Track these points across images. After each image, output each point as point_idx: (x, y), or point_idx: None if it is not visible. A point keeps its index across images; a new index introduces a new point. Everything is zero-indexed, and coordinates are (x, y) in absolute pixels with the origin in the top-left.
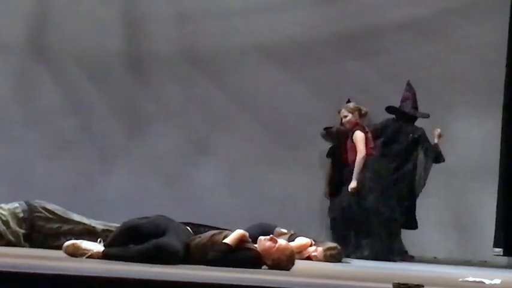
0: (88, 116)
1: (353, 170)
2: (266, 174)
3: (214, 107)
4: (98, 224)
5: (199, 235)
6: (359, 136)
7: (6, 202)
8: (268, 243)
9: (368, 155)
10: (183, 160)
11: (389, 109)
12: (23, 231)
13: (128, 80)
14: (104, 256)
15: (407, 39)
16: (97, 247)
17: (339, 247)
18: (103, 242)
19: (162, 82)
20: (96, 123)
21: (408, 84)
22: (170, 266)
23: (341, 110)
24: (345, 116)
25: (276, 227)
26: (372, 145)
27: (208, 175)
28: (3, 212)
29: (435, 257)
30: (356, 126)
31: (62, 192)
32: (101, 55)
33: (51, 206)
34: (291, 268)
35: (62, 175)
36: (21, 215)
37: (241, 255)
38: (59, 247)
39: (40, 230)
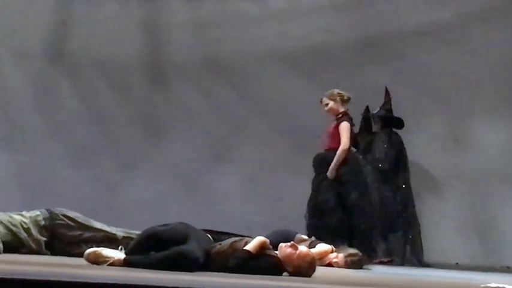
0: (108, 123)
1: (330, 156)
2: (285, 181)
3: (233, 114)
4: (119, 232)
5: (219, 242)
6: (345, 127)
7: (28, 210)
8: (289, 250)
9: (349, 148)
10: (202, 167)
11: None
12: (44, 238)
13: (147, 88)
14: (125, 263)
15: (427, 44)
16: (118, 254)
17: (360, 253)
18: (124, 249)
19: (182, 89)
20: (116, 131)
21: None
22: (191, 273)
23: (322, 99)
24: (326, 104)
25: (296, 233)
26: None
27: (227, 182)
28: (24, 220)
29: (457, 263)
30: (344, 116)
31: (83, 199)
32: (120, 63)
33: (72, 214)
34: (312, 275)
35: (83, 183)
36: (43, 222)
37: (262, 262)
38: (80, 255)
39: (61, 237)
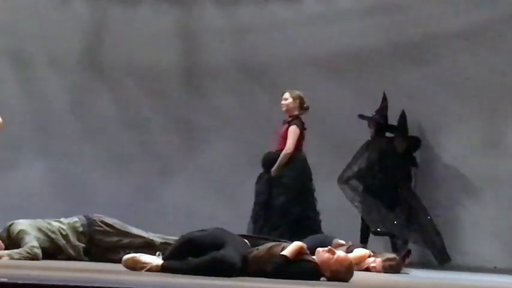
0: (144, 130)
1: (275, 155)
2: (322, 185)
3: (269, 119)
4: (157, 237)
5: (257, 247)
6: (294, 131)
7: (66, 216)
8: (327, 255)
9: (294, 151)
10: (238, 173)
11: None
12: (82, 245)
13: (183, 94)
14: (163, 269)
15: (463, 47)
16: (156, 260)
17: (397, 258)
18: (162, 255)
19: (218, 95)
20: (153, 137)
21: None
22: (228, 278)
23: (285, 93)
24: (286, 99)
25: (333, 238)
26: (301, 144)
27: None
28: (63, 227)
29: (495, 267)
30: (296, 119)
31: (120, 205)
32: (156, 69)
33: (110, 220)
34: (349, 279)
35: (120, 189)
36: (81, 229)
37: (300, 267)
38: (118, 260)
39: (99, 243)
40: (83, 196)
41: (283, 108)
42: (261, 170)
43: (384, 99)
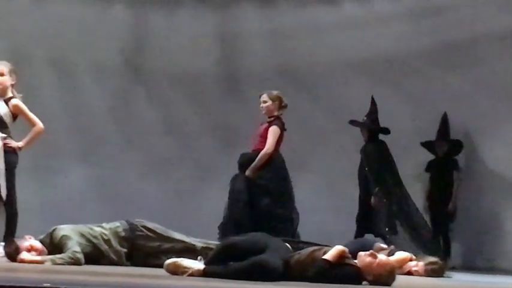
0: (184, 134)
1: (253, 155)
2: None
3: (308, 123)
4: (198, 242)
5: (298, 252)
6: (275, 131)
7: (108, 222)
8: (369, 259)
9: (273, 152)
10: None
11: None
12: (124, 250)
13: (223, 98)
14: (205, 274)
15: (505, 49)
16: (197, 265)
17: (440, 261)
18: (203, 259)
19: (257, 99)
20: (192, 142)
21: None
22: (270, 283)
23: (262, 95)
24: (265, 102)
25: (375, 242)
26: (279, 144)
27: (304, 191)
28: (105, 232)
29: None
30: (276, 119)
31: (160, 210)
32: (196, 74)
33: (151, 225)
34: (392, 283)
35: (160, 194)
36: (123, 234)
37: (342, 271)
38: (159, 265)
39: (141, 248)
40: (124, 201)
41: (263, 111)
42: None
43: (373, 103)
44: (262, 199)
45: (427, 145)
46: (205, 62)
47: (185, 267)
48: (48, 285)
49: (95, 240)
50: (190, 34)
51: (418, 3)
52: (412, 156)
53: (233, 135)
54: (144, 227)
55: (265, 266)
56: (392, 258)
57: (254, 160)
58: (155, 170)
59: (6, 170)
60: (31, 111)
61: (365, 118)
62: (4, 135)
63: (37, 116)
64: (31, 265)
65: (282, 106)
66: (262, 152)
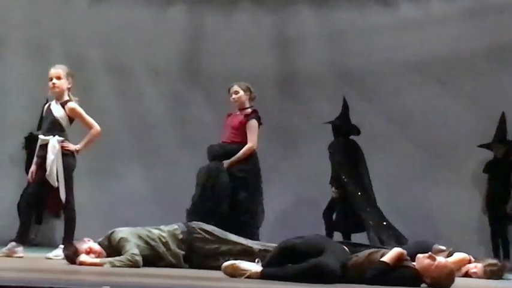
0: None
1: (232, 149)
2: (422, 191)
3: (365, 124)
4: (255, 244)
5: (356, 254)
6: (254, 126)
7: (165, 224)
8: (427, 261)
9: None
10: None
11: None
12: (182, 252)
13: (279, 100)
14: (262, 276)
15: None
16: (255, 267)
17: (499, 263)
18: (261, 262)
19: (314, 101)
20: None
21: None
22: (328, 285)
23: (233, 86)
24: (236, 92)
25: (433, 244)
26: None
27: None
28: (163, 234)
29: None
30: (254, 113)
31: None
32: (252, 76)
33: (209, 227)
34: (450, 286)
35: None
36: (181, 236)
37: (400, 274)
38: (217, 268)
39: (199, 250)
40: (181, 204)
41: (236, 103)
42: None
43: (344, 105)
44: (240, 192)
45: (485, 147)
46: (262, 64)
47: (243, 270)
48: (108, 287)
49: (153, 243)
50: (247, 36)
51: (474, 3)
52: (470, 158)
53: (291, 137)
54: (202, 229)
55: (324, 268)
56: (450, 259)
57: (230, 152)
58: None
59: (64, 173)
60: (88, 114)
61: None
62: (62, 138)
63: (94, 119)
64: (90, 267)
65: (252, 98)
66: (247, 147)
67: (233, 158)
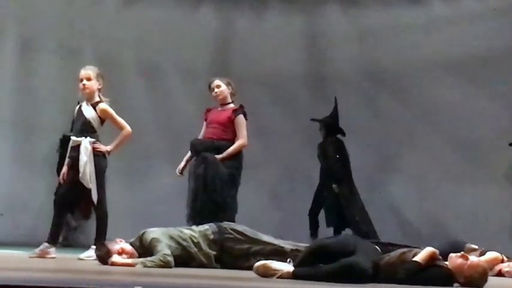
0: (273, 136)
1: (219, 143)
2: (454, 190)
3: (398, 123)
4: (287, 244)
5: (388, 254)
6: (243, 122)
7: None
8: (460, 260)
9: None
10: (369, 178)
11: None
12: (213, 252)
13: (311, 100)
14: (294, 276)
15: None
16: (287, 267)
17: None
18: (292, 262)
19: (346, 100)
20: (281, 144)
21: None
22: (360, 285)
23: (214, 81)
24: (218, 86)
25: (466, 243)
26: None
27: (395, 192)
28: (194, 234)
29: None
30: (241, 109)
31: (249, 213)
32: (284, 76)
33: (240, 227)
34: (483, 285)
35: (247, 196)
36: (212, 236)
37: (432, 273)
38: (249, 268)
39: (230, 251)
40: None
41: (219, 97)
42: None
43: (335, 107)
44: (229, 188)
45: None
46: (292, 64)
47: (275, 270)
48: (139, 287)
49: (184, 243)
50: (277, 36)
51: (506, 0)
52: (503, 156)
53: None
54: (233, 229)
55: (356, 268)
56: (482, 258)
57: (220, 148)
58: (247, 172)
59: (96, 173)
60: (120, 115)
61: (325, 117)
62: (93, 139)
63: (126, 120)
64: (122, 268)
65: (233, 93)
66: (239, 144)
67: (224, 154)
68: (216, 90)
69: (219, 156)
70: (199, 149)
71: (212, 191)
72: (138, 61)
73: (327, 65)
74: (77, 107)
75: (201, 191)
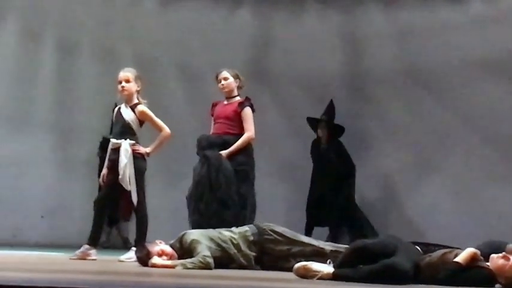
0: (310, 137)
1: (227, 138)
2: (493, 190)
3: (437, 123)
4: (327, 245)
5: (429, 254)
6: (250, 114)
7: (236, 226)
8: (501, 261)
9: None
10: (407, 178)
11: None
12: (253, 253)
13: (349, 100)
14: (334, 277)
15: None
16: (327, 268)
17: None
18: (332, 263)
19: (384, 101)
20: None
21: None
22: (401, 286)
23: (221, 72)
24: (226, 78)
25: (507, 243)
26: None
27: (433, 193)
28: (234, 236)
29: None
30: (247, 101)
31: (286, 213)
32: (322, 76)
33: (280, 229)
34: None
35: (286, 197)
36: (251, 238)
37: (474, 274)
38: (289, 269)
39: (270, 252)
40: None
41: (225, 89)
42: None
43: (331, 106)
44: (241, 186)
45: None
46: (331, 64)
47: (315, 271)
48: None
49: (224, 245)
50: (315, 37)
51: None
52: None
53: (362, 137)
54: (273, 230)
55: (397, 269)
56: None
57: (228, 143)
58: (280, 173)
59: (135, 175)
60: (158, 116)
61: (324, 117)
62: (132, 141)
63: (164, 121)
64: (162, 269)
65: (240, 86)
66: (246, 137)
67: (231, 148)
68: (223, 82)
69: (225, 152)
70: (204, 145)
71: (216, 189)
72: (177, 63)
73: (366, 64)
74: (116, 109)
75: (207, 191)
